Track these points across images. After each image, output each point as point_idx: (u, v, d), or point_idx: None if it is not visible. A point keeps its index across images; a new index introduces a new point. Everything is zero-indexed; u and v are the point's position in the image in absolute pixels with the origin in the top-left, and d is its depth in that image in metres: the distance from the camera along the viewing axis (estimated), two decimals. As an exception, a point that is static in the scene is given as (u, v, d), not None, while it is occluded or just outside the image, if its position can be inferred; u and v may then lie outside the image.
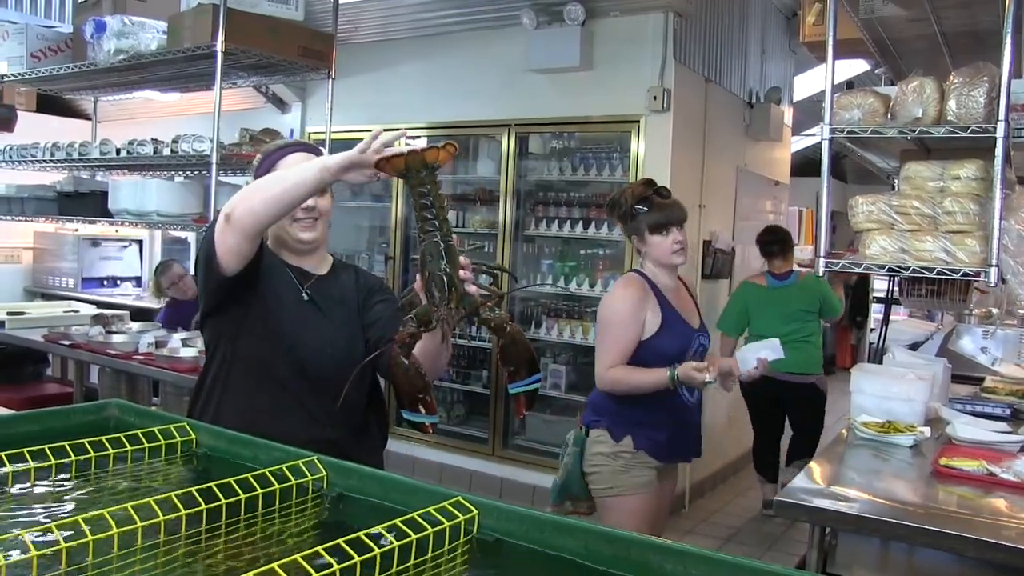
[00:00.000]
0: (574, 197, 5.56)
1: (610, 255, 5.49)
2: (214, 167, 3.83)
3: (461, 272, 1.57)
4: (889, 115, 2.53)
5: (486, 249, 5.72)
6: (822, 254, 2.67)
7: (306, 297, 2.10)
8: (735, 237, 5.95)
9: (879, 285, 8.80)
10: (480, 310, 1.57)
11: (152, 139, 4.32)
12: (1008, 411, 3.49)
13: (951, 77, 2.46)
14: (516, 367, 1.63)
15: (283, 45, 4.10)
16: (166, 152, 4.15)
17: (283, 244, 2.15)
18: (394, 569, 1.14)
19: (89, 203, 4.84)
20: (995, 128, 2.29)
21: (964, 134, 2.36)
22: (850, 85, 5.69)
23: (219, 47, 3.73)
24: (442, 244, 1.56)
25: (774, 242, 5.20)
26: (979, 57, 2.63)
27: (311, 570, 1.03)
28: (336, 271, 2.22)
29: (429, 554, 1.20)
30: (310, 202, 2.01)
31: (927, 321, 5.54)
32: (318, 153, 2.13)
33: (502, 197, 5.52)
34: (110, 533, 1.14)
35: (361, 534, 1.13)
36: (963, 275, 2.38)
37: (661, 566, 1.16)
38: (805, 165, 8.60)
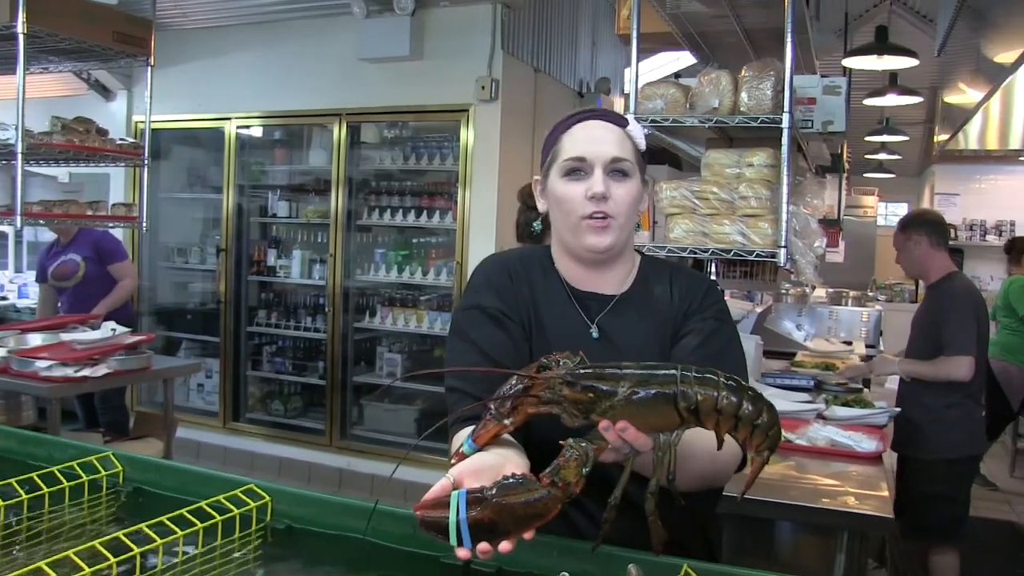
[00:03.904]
0: (407, 186, 5.57)
1: (442, 243, 5.54)
2: (19, 157, 3.60)
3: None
4: (689, 105, 2.69)
5: (320, 240, 5.66)
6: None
7: (595, 334, 1.49)
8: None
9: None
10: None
11: (-51, 126, 4.02)
12: (812, 383, 3.80)
13: (743, 71, 2.63)
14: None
15: (96, 29, 3.90)
16: (-36, 140, 3.87)
17: (571, 255, 1.52)
18: (179, 558, 1.14)
19: None
20: (781, 119, 2.48)
21: (755, 124, 2.54)
22: (678, 76, 5.93)
23: (20, 29, 3.51)
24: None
25: (1011, 249, 6.16)
26: (781, 54, 2.81)
27: (84, 566, 1.02)
28: (647, 283, 1.54)
29: (218, 541, 1.21)
30: (600, 187, 1.42)
31: (747, 301, 5.87)
32: (622, 123, 1.50)
33: (334, 187, 5.46)
34: None
35: (143, 525, 1.13)
36: (757, 256, 2.56)
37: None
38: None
